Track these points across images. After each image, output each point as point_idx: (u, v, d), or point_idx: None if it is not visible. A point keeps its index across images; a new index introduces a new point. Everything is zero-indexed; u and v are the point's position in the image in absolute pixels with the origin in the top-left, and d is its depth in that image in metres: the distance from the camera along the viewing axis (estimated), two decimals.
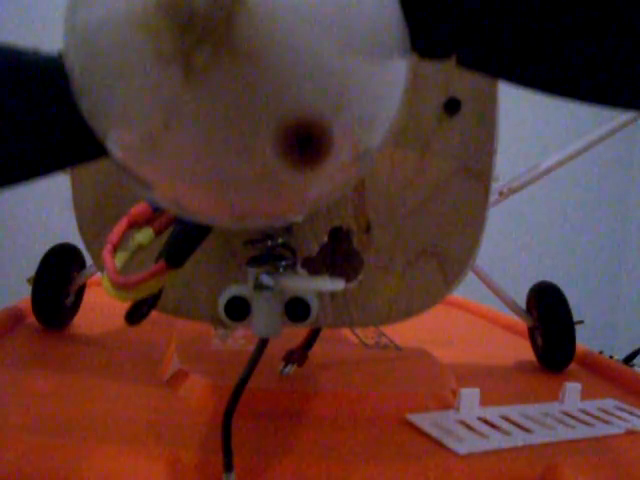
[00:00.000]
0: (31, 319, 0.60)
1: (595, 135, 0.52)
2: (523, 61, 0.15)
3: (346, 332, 0.61)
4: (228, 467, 0.30)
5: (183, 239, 0.25)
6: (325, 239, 0.29)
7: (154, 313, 0.34)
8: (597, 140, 0.52)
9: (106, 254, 0.22)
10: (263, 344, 0.30)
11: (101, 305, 0.59)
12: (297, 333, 0.44)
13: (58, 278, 0.58)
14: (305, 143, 0.12)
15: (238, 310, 0.27)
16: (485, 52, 0.15)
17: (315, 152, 0.13)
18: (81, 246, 0.34)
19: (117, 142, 0.13)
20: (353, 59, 0.12)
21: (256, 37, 0.11)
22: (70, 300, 0.60)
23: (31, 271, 0.59)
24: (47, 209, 1.07)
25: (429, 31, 0.15)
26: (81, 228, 0.32)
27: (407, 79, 0.15)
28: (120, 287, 0.22)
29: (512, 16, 0.14)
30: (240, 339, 0.54)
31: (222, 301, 0.28)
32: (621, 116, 0.51)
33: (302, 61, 0.11)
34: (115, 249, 0.23)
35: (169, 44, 0.11)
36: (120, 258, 0.24)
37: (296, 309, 0.27)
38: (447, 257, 0.31)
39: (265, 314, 0.27)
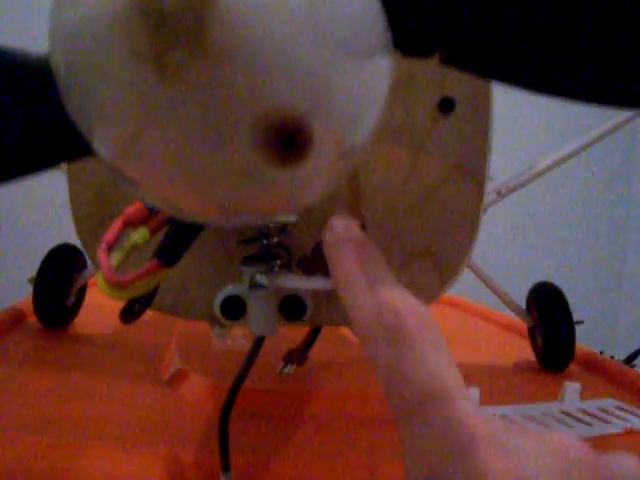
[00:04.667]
0: (32, 319, 0.61)
1: (593, 134, 0.52)
2: (508, 59, 0.15)
3: (346, 332, 0.61)
4: (225, 467, 0.31)
5: (175, 238, 0.25)
6: (320, 238, 0.29)
7: (155, 313, 0.34)
8: (595, 139, 0.52)
9: (101, 253, 0.22)
10: (259, 343, 0.30)
11: (102, 305, 0.59)
12: (297, 333, 0.44)
13: (59, 278, 0.59)
14: (285, 140, 0.12)
15: (234, 309, 0.28)
16: (469, 50, 0.15)
17: (295, 149, 0.13)
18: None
19: (101, 141, 0.13)
20: (328, 57, 0.12)
21: (227, 37, 0.11)
22: (71, 300, 0.60)
23: (32, 271, 0.59)
24: (48, 209, 1.07)
25: (411, 29, 0.15)
26: (78, 227, 0.32)
27: (390, 77, 0.15)
28: (114, 286, 0.23)
29: (496, 13, 0.14)
30: (240, 339, 0.54)
31: (218, 300, 0.28)
32: (619, 115, 0.51)
33: (274, 60, 0.12)
34: (110, 248, 0.23)
35: (143, 43, 0.11)
36: (116, 257, 0.24)
37: (291, 308, 0.27)
38: (442, 256, 0.31)
39: (260, 313, 0.27)
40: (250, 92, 0.12)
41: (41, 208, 1.15)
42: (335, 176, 0.15)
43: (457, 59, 0.15)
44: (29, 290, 0.59)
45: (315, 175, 0.14)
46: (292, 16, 0.11)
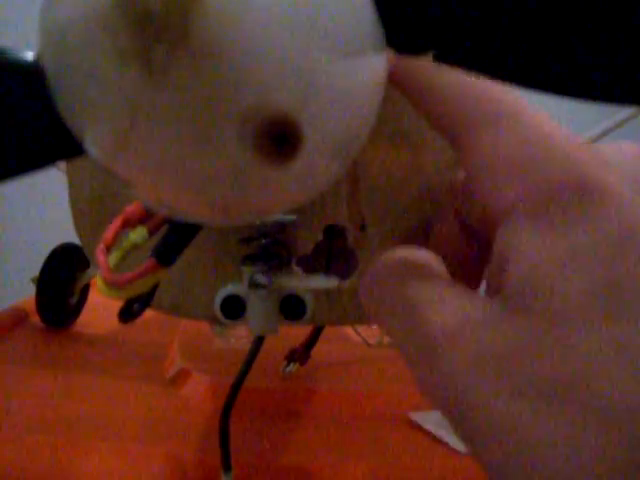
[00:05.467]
0: (35, 318, 0.61)
1: (594, 132, 0.52)
2: (504, 56, 0.15)
3: (348, 331, 0.61)
4: (226, 467, 0.30)
5: (173, 237, 0.25)
6: (320, 237, 0.29)
7: (157, 313, 0.34)
8: (596, 138, 0.51)
9: (99, 252, 0.22)
10: (259, 342, 0.30)
11: (105, 305, 0.60)
12: (299, 332, 0.44)
13: (62, 278, 0.59)
14: (274, 138, 0.12)
15: (234, 309, 0.28)
16: (463, 47, 0.15)
17: (285, 147, 0.12)
18: None
19: (91, 141, 0.13)
20: (316, 53, 0.12)
21: (210, 34, 0.11)
22: (74, 299, 0.60)
23: (35, 271, 0.59)
24: (51, 209, 1.07)
25: (404, 26, 0.14)
26: (77, 227, 0.32)
27: (385, 75, 0.14)
28: (112, 285, 0.23)
29: (492, 9, 0.14)
30: (242, 338, 0.54)
31: (218, 300, 0.28)
32: (620, 113, 0.51)
33: (259, 56, 0.11)
34: (109, 248, 0.23)
35: (128, 42, 0.11)
36: (114, 257, 0.24)
37: (292, 307, 0.27)
38: None
39: (260, 312, 0.27)
40: (236, 89, 0.12)
41: (44, 207, 1.15)
42: (329, 175, 0.14)
43: (450, 56, 0.15)
44: (32, 290, 0.59)
45: (307, 174, 0.14)
46: (279, 11, 0.11)
